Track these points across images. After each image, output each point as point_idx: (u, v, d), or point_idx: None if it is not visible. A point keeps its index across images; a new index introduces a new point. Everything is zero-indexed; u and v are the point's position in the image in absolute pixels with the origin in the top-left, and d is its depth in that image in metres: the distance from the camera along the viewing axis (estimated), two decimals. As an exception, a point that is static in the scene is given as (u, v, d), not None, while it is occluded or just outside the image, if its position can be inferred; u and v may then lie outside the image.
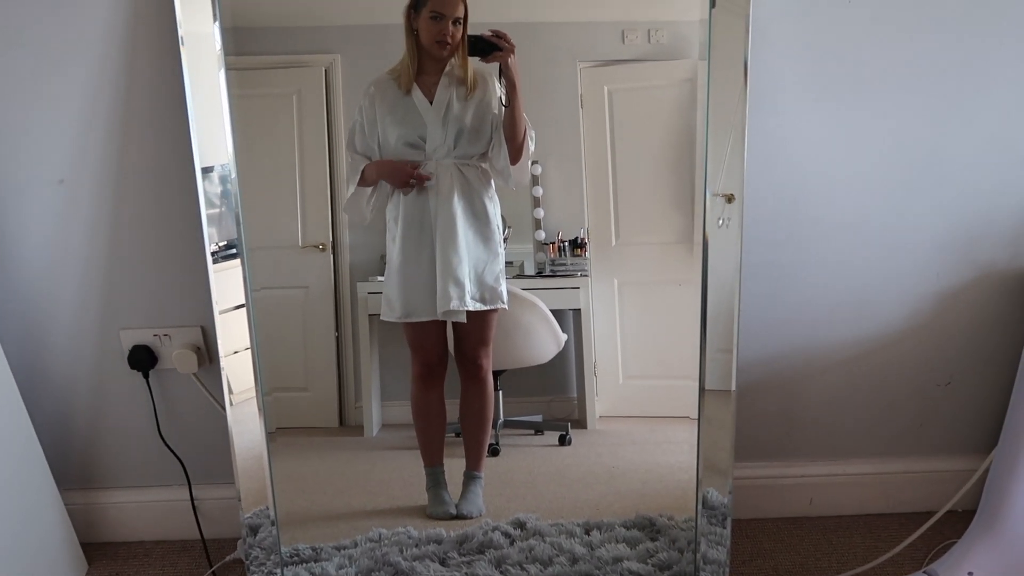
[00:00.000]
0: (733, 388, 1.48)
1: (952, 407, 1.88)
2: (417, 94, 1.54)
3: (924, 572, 1.59)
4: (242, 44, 1.45)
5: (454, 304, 1.58)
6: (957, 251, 1.71)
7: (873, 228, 1.69)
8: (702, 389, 1.49)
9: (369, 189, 1.58)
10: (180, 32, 1.36)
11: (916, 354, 1.81)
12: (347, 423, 1.75)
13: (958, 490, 1.77)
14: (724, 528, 1.55)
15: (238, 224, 1.43)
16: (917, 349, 1.80)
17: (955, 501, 1.76)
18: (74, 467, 1.85)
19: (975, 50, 1.55)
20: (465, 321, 1.60)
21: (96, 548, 1.89)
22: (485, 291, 1.60)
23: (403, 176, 1.55)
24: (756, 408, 1.82)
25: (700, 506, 1.54)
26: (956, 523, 1.77)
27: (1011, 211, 1.67)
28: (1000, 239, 1.70)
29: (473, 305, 1.60)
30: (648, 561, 1.62)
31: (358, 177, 1.57)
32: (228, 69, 1.40)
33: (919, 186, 1.65)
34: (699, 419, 1.50)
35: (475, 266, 1.59)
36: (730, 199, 1.41)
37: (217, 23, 1.38)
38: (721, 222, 1.42)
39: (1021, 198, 1.66)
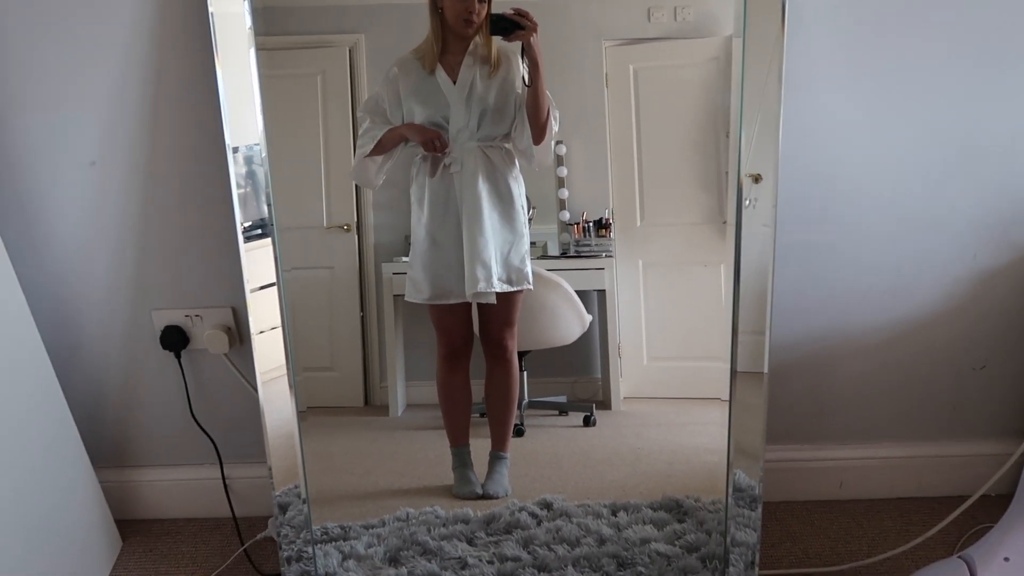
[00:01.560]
0: (765, 370, 1.47)
1: (987, 390, 1.85)
2: (441, 74, 1.54)
3: (959, 557, 1.57)
4: (268, 24, 1.45)
5: (481, 286, 1.58)
6: (994, 232, 1.68)
7: (908, 209, 1.66)
8: (734, 371, 1.47)
9: (381, 156, 1.58)
10: (211, 10, 1.37)
11: (951, 337, 1.78)
12: (372, 403, 1.77)
13: (992, 474, 1.74)
14: (754, 511, 1.54)
15: (268, 204, 1.44)
16: (952, 332, 1.78)
17: (989, 485, 1.73)
18: (108, 445, 1.89)
19: (1014, 29, 1.51)
20: (493, 303, 1.60)
21: (130, 525, 1.93)
22: (511, 272, 1.60)
23: (428, 135, 1.54)
24: (786, 390, 1.81)
25: (731, 488, 1.53)
26: (990, 508, 1.74)
27: (1049, 191, 1.63)
28: (1038, 220, 1.66)
29: (500, 287, 1.60)
30: (676, 543, 1.62)
31: (372, 145, 1.57)
32: (257, 49, 1.41)
33: (955, 166, 1.62)
34: (730, 401, 1.49)
35: (501, 247, 1.59)
36: (757, 179, 1.39)
37: (247, 2, 1.39)
38: (748, 202, 1.40)
39: (1060, 179, 1.62)
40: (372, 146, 1.57)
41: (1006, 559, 1.51)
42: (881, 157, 1.61)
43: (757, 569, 1.56)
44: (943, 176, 1.63)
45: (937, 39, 1.52)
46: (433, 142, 1.54)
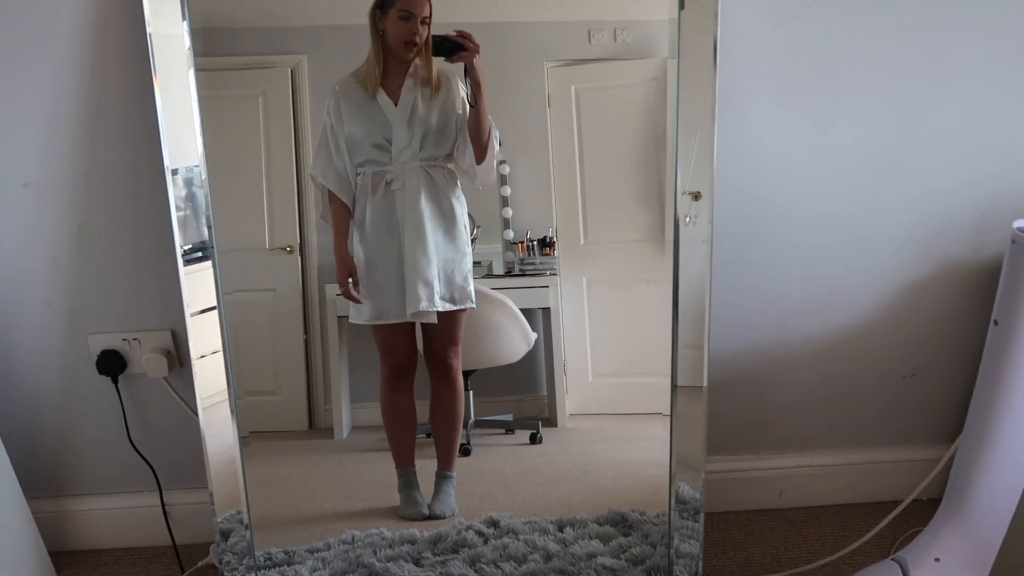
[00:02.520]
0: (705, 384, 1.49)
1: (916, 398, 1.90)
2: (382, 96, 1.54)
3: (892, 559, 1.61)
4: (209, 45, 1.43)
5: (423, 305, 1.58)
6: (921, 246, 1.74)
7: (840, 224, 1.70)
8: (674, 386, 1.50)
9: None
10: (149, 31, 1.35)
11: (882, 346, 1.84)
12: (317, 426, 1.75)
13: (923, 479, 1.80)
14: (696, 522, 1.56)
15: (209, 226, 1.42)
16: (883, 341, 1.83)
17: (920, 490, 1.79)
18: (42, 475, 1.83)
19: (938, 51, 1.57)
20: (435, 322, 1.60)
21: (65, 556, 1.87)
22: (454, 291, 1.60)
23: (340, 278, 1.61)
24: (726, 403, 1.83)
25: (673, 501, 1.55)
26: (922, 511, 1.79)
27: (972, 208, 1.70)
28: (962, 235, 1.73)
29: (442, 305, 1.60)
30: (621, 556, 1.63)
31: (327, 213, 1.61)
32: (196, 70, 1.39)
33: (885, 183, 1.67)
34: (671, 415, 1.51)
35: (444, 266, 1.59)
36: (697, 197, 1.42)
37: (186, 23, 1.37)
38: (688, 219, 1.43)
39: (981, 196, 1.69)
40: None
41: (936, 560, 1.56)
42: (813, 175, 1.66)
43: (701, 579, 1.58)
44: (872, 193, 1.68)
45: (867, 62, 1.57)
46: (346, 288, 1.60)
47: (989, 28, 1.56)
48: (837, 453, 1.95)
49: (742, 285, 1.73)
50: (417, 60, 1.53)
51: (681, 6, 1.38)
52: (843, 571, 1.77)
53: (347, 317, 1.64)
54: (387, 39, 1.51)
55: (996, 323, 1.42)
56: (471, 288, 1.61)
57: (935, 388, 1.90)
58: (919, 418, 1.93)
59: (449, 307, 1.60)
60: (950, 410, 1.91)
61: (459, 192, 1.59)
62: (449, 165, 1.57)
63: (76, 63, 1.47)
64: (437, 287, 1.58)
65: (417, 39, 1.50)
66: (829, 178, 1.66)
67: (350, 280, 1.59)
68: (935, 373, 1.88)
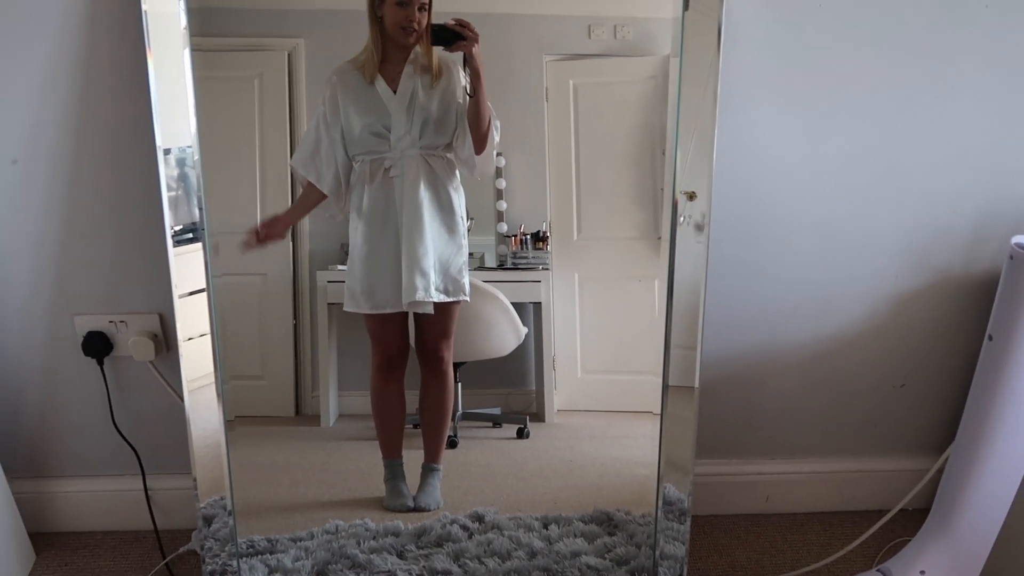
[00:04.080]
0: (696, 385, 1.49)
1: (906, 408, 1.90)
2: (381, 83, 1.53)
3: (877, 570, 1.61)
4: (205, 24, 1.42)
5: (419, 295, 1.57)
6: (915, 255, 1.73)
7: (835, 230, 1.70)
8: (665, 385, 1.49)
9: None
10: (144, 8, 1.33)
11: (873, 355, 1.83)
12: (304, 413, 1.74)
13: (910, 489, 1.80)
14: (683, 524, 1.56)
15: (200, 208, 1.41)
16: (874, 350, 1.83)
17: (907, 500, 1.79)
18: (23, 455, 1.82)
19: (937, 61, 1.57)
20: (430, 312, 1.59)
21: (45, 538, 1.86)
22: (449, 283, 1.60)
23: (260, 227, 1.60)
24: (716, 405, 1.83)
25: (660, 502, 1.54)
26: (907, 522, 1.80)
27: (967, 218, 1.70)
28: (956, 245, 1.72)
29: (437, 296, 1.59)
30: (606, 556, 1.62)
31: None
32: (192, 50, 1.38)
33: (880, 191, 1.67)
34: (662, 415, 1.50)
35: (440, 257, 1.58)
36: (691, 197, 1.42)
37: (182, 1, 1.36)
38: (683, 219, 1.43)
39: (976, 206, 1.68)
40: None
41: (922, 572, 1.56)
42: (810, 178, 1.65)
43: (685, 582, 1.58)
44: (868, 200, 1.68)
45: (868, 68, 1.57)
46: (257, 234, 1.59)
47: (989, 39, 1.55)
48: (825, 460, 1.95)
49: (734, 287, 1.72)
50: (417, 48, 1.52)
51: (685, 7, 1.37)
52: (827, 579, 1.77)
53: (337, 304, 1.63)
54: (385, 25, 1.50)
55: (991, 338, 1.42)
56: (465, 280, 1.60)
57: (925, 399, 1.89)
58: (908, 428, 1.93)
59: (444, 299, 1.59)
60: (939, 422, 1.91)
61: (457, 183, 1.58)
62: (449, 155, 1.57)
63: (69, 39, 1.46)
64: (433, 278, 1.58)
65: (415, 25, 1.49)
66: (826, 183, 1.65)
67: (256, 235, 1.59)
68: (925, 384, 1.88)
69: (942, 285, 1.76)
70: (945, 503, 1.58)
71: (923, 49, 1.56)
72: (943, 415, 1.90)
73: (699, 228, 1.43)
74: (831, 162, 1.64)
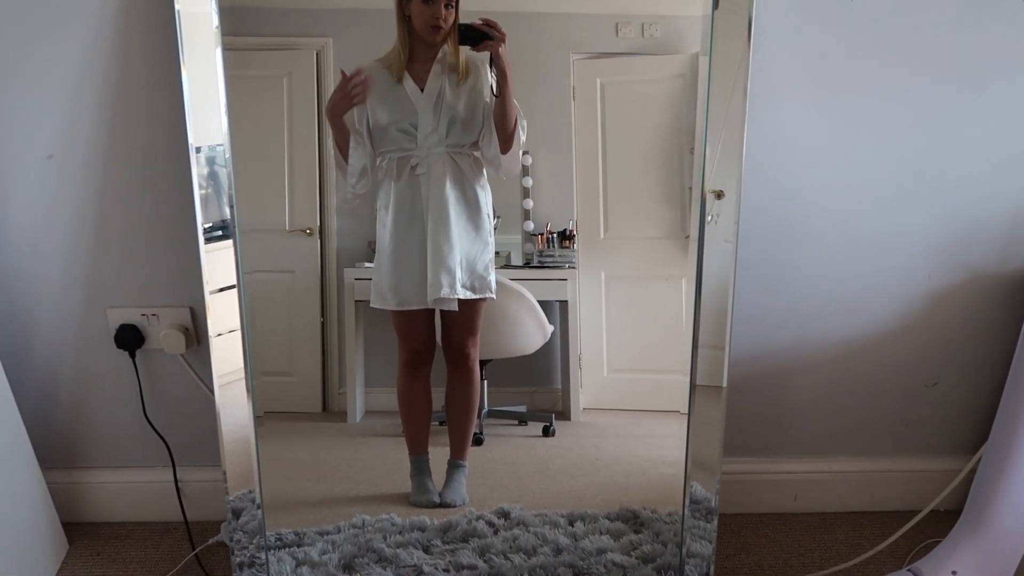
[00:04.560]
0: (724, 384, 1.48)
1: (938, 408, 1.88)
2: (408, 82, 1.53)
3: (908, 570, 1.60)
4: (235, 24, 1.43)
5: (445, 292, 1.57)
6: (948, 253, 1.71)
7: (866, 228, 1.68)
8: (693, 385, 1.48)
9: (349, 166, 1.57)
10: (177, 8, 1.35)
11: (904, 354, 1.81)
12: (331, 409, 1.75)
13: (941, 490, 1.78)
14: (710, 523, 1.55)
15: (231, 205, 1.42)
16: (906, 349, 1.81)
17: (939, 501, 1.77)
18: (57, 446, 1.85)
19: (971, 55, 1.54)
20: (455, 309, 1.60)
21: (77, 528, 1.89)
22: (475, 280, 1.60)
23: (340, 90, 1.53)
24: (743, 404, 1.82)
25: (687, 501, 1.54)
26: (938, 523, 1.78)
27: (1002, 216, 1.67)
28: (991, 243, 1.70)
29: (463, 293, 1.59)
30: (632, 553, 1.62)
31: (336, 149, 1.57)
32: (224, 49, 1.39)
33: (913, 188, 1.65)
34: (689, 414, 1.50)
35: (466, 255, 1.59)
36: (720, 195, 1.41)
37: (214, 1, 1.37)
38: (711, 218, 1.42)
39: (1011, 203, 1.66)
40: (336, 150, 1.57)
41: (954, 573, 1.54)
42: (841, 176, 1.63)
43: (711, 581, 1.57)
44: (901, 197, 1.66)
45: (900, 63, 1.55)
46: (347, 90, 1.52)
47: (1022, 35, 1.52)
48: (854, 460, 1.93)
49: (762, 285, 1.71)
50: (445, 47, 1.52)
51: (715, 5, 1.36)
52: (856, 579, 1.76)
53: (364, 301, 1.64)
54: (412, 24, 1.51)
55: (1027, 336, 1.40)
56: (491, 278, 1.60)
57: (957, 398, 1.87)
58: (939, 428, 1.91)
59: (469, 296, 1.60)
60: (971, 421, 1.89)
61: (484, 181, 1.58)
62: (476, 153, 1.57)
63: (104, 38, 1.48)
64: (459, 275, 1.58)
65: (442, 23, 1.49)
66: (856, 180, 1.64)
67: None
68: (957, 383, 1.85)
69: (975, 283, 1.74)
70: (978, 504, 1.57)
71: (954, 45, 1.53)
72: (976, 415, 1.88)
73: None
74: (861, 159, 1.62)
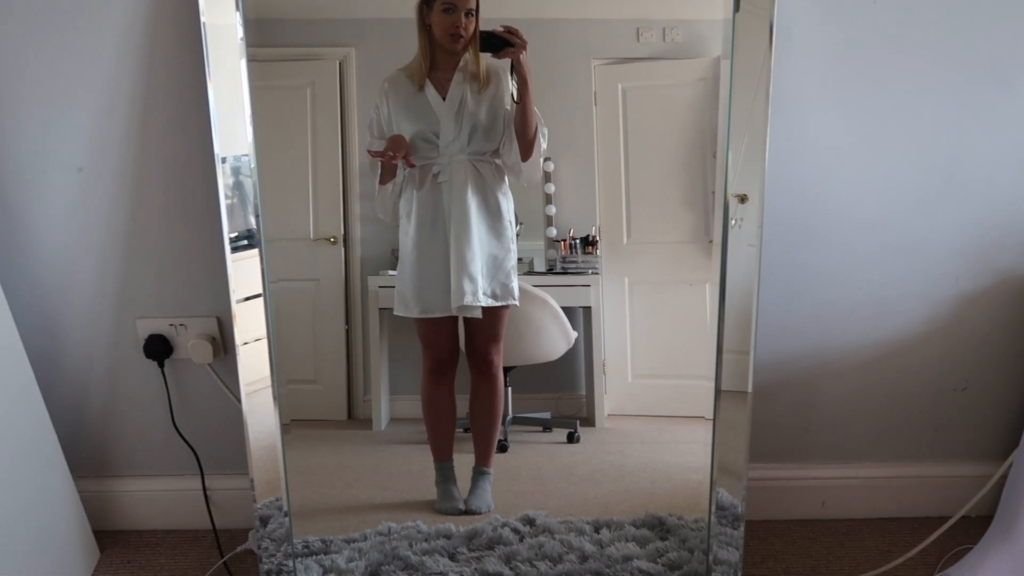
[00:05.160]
0: (750, 390, 1.47)
1: (968, 412, 1.86)
2: (430, 90, 1.54)
3: (938, 577, 1.58)
4: (259, 35, 1.45)
5: (467, 299, 1.58)
6: (977, 256, 1.69)
7: (893, 231, 1.67)
8: (718, 390, 1.48)
9: (390, 185, 1.59)
10: (203, 20, 1.37)
11: (933, 358, 1.80)
12: (356, 416, 1.76)
13: (972, 496, 1.75)
14: (736, 530, 1.54)
15: (257, 215, 1.44)
16: (934, 353, 1.79)
17: (969, 507, 1.74)
18: (87, 455, 1.87)
19: (998, 57, 1.53)
20: (479, 316, 1.60)
21: (108, 536, 1.91)
22: (498, 287, 1.60)
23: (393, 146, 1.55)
24: (769, 409, 1.81)
25: (713, 507, 1.53)
26: (969, 529, 1.76)
27: (1030, 219, 1.65)
28: (1019, 246, 1.68)
29: (486, 301, 1.60)
30: (658, 560, 1.61)
31: (377, 175, 1.58)
32: (248, 60, 1.41)
33: (940, 190, 1.63)
34: (714, 420, 1.49)
35: (488, 262, 1.59)
36: (743, 199, 1.41)
37: (239, 13, 1.39)
38: (734, 222, 1.41)
39: (1039, 207, 1.64)
40: (378, 176, 1.58)
41: (985, 580, 1.52)
42: (867, 179, 1.62)
43: (739, 588, 1.56)
44: (927, 199, 1.64)
45: (925, 64, 1.53)
46: (395, 153, 1.54)
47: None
48: (883, 465, 1.91)
49: (787, 289, 1.70)
50: (466, 55, 1.53)
51: (736, 8, 1.36)
52: (885, 586, 1.74)
53: (389, 309, 1.65)
54: (433, 33, 1.52)
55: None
56: (514, 285, 1.61)
57: (986, 403, 1.85)
58: (969, 433, 1.88)
59: (492, 303, 1.60)
60: (1001, 426, 1.86)
61: (506, 188, 1.59)
62: (497, 160, 1.57)
63: (131, 51, 1.50)
64: (481, 282, 1.58)
65: (462, 32, 1.50)
66: (882, 182, 1.62)
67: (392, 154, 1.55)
68: (988, 388, 1.83)
69: (1004, 287, 1.72)
70: (1009, 510, 1.55)
71: (980, 45, 1.52)
72: (1007, 419, 1.85)
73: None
74: (886, 162, 1.61)
